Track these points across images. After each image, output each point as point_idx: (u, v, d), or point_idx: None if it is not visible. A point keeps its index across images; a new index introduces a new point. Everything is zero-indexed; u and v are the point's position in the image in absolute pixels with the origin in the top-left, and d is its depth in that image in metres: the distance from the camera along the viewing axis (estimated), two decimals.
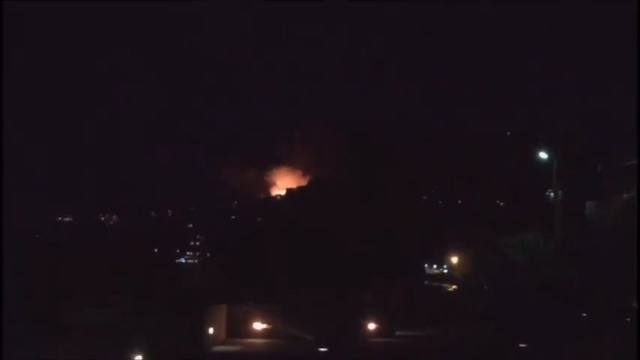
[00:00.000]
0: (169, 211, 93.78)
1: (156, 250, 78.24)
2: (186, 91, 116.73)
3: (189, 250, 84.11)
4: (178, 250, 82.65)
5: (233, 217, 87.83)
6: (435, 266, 77.00)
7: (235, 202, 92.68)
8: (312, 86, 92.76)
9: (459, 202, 78.42)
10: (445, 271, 73.60)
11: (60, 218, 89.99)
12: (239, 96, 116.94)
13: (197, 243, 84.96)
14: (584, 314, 35.05)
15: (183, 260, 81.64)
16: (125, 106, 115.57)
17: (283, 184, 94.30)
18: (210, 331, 43.89)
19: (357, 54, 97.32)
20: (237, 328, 48.08)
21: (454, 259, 63.58)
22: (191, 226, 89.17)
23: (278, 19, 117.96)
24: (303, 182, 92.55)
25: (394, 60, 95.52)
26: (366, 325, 48.06)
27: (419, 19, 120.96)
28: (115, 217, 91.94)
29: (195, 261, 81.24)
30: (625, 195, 40.84)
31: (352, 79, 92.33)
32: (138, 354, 32.79)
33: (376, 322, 48.34)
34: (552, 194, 43.60)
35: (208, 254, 78.32)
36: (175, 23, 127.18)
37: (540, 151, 43.49)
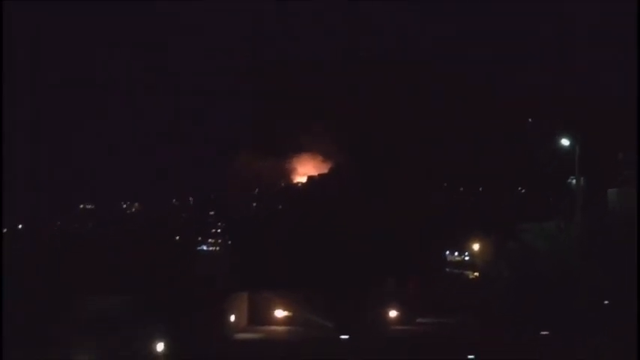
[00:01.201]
0: (191, 198, 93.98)
1: (177, 238, 78.59)
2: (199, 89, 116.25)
3: (210, 238, 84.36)
4: (200, 238, 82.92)
5: (254, 204, 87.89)
6: (456, 253, 76.72)
7: (256, 190, 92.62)
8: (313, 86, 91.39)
9: (481, 189, 78.04)
10: (467, 258, 73.35)
11: (82, 205, 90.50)
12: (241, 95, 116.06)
13: (218, 230, 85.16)
14: (606, 302, 34.95)
15: (204, 248, 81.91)
16: (141, 100, 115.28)
17: (304, 170, 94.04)
18: (232, 318, 44.10)
19: (357, 54, 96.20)
20: (259, 316, 48.29)
21: (475, 246, 63.36)
22: (212, 213, 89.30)
23: (278, 19, 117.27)
24: (324, 169, 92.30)
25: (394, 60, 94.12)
26: (386, 313, 48.12)
27: (419, 19, 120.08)
28: (136, 204, 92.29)
29: (217, 248, 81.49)
30: None
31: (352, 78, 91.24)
32: (159, 342, 32.96)
33: (397, 310, 48.38)
34: (574, 181, 43.30)
35: (229, 242, 78.46)
36: (175, 23, 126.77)
37: (562, 138, 43.14)
